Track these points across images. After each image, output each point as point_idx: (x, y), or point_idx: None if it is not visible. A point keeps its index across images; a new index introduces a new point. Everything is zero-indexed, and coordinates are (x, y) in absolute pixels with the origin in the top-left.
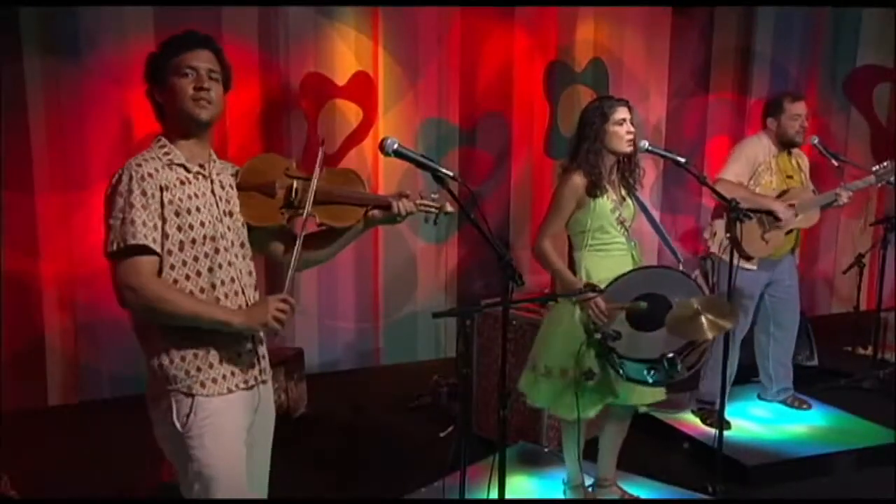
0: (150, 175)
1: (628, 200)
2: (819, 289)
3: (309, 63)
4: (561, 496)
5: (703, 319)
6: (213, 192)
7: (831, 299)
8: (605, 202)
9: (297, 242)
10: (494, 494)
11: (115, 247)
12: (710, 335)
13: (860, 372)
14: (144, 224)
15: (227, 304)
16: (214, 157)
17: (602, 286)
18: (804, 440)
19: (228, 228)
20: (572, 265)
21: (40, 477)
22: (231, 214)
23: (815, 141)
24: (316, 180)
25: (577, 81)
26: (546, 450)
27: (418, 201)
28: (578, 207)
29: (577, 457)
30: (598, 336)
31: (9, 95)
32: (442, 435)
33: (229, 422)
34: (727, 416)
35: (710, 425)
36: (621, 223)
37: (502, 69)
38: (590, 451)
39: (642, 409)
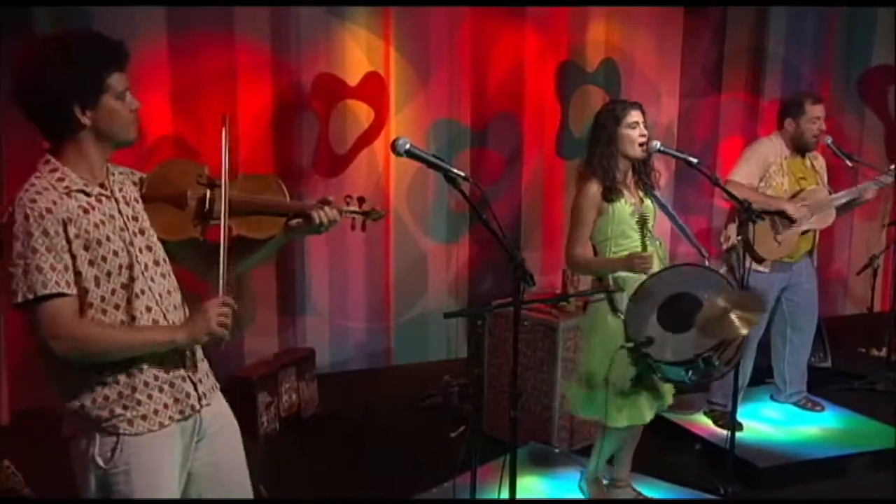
0: (48, 210)
1: (647, 201)
2: (833, 290)
3: (321, 63)
4: (574, 492)
5: (733, 316)
6: (119, 212)
7: (845, 300)
8: (624, 206)
9: (222, 253)
10: (505, 495)
11: (22, 298)
12: (743, 331)
13: (874, 374)
14: (53, 268)
15: None
16: (112, 168)
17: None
18: (817, 442)
19: (140, 250)
20: None
21: (40, 477)
22: (143, 232)
23: (829, 141)
24: (226, 188)
25: (588, 82)
26: (557, 450)
27: (343, 208)
28: (599, 214)
29: (606, 457)
30: (629, 345)
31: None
32: (453, 435)
33: (161, 457)
34: (739, 418)
35: (722, 427)
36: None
37: (513, 69)
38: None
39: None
